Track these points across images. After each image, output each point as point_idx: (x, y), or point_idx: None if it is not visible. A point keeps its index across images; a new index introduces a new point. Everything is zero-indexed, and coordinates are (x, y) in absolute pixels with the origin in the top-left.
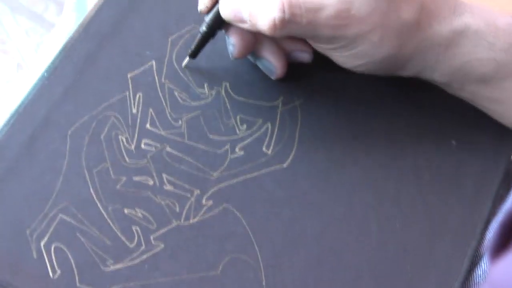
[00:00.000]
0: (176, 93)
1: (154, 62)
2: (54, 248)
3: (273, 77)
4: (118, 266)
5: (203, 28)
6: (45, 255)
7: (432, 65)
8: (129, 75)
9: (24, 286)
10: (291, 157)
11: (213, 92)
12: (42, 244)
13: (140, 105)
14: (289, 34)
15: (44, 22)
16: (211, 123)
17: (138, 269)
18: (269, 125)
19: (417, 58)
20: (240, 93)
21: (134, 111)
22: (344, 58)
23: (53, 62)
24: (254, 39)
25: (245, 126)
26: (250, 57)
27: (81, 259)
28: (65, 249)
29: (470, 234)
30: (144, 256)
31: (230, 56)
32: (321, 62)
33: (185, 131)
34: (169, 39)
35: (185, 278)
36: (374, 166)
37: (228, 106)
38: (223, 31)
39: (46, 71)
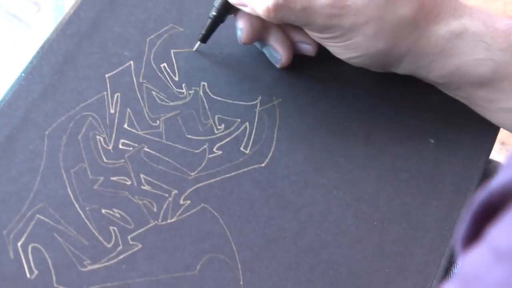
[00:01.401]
0: (154, 93)
1: (132, 62)
2: (31, 249)
3: (278, 65)
4: (96, 266)
5: (213, 12)
6: (22, 255)
7: (428, 65)
8: (107, 75)
9: (1, 286)
10: (269, 157)
11: (191, 92)
12: (19, 244)
13: (118, 105)
14: (284, 19)
15: (20, 22)
16: (189, 123)
17: (116, 269)
18: (247, 124)
19: (412, 56)
20: (218, 93)
21: (112, 111)
22: (338, 49)
23: (31, 62)
24: (262, 26)
25: (223, 126)
26: (257, 44)
27: (58, 259)
28: (42, 249)
29: (448, 233)
30: (122, 256)
31: (239, 40)
32: (302, 62)
33: (163, 131)
34: (147, 39)
35: (163, 278)
36: (353, 166)
37: (206, 106)
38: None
39: (24, 71)
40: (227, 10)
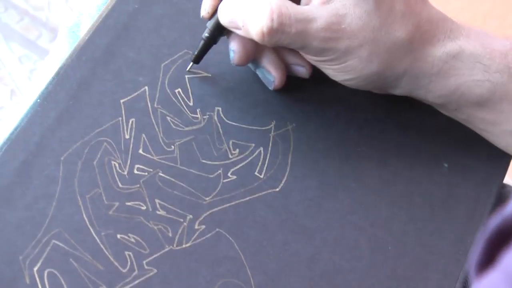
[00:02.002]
0: (168, 118)
1: (147, 88)
2: (47, 274)
3: (271, 88)
4: None
5: (206, 34)
6: (38, 280)
7: (425, 86)
8: (122, 101)
9: None
10: (283, 181)
11: (206, 117)
12: (35, 269)
13: (133, 130)
14: (279, 43)
15: (37, 48)
16: (203, 148)
17: None
18: (262, 149)
19: (409, 77)
20: (232, 118)
21: (127, 136)
22: (334, 71)
23: (46, 88)
24: (255, 48)
25: (237, 150)
26: (251, 65)
27: (74, 284)
28: (58, 274)
29: (462, 257)
30: (137, 281)
31: (231, 62)
32: (314, 87)
33: (178, 156)
34: (162, 65)
35: None
36: (366, 191)
37: (221, 131)
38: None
39: (39, 97)
40: (220, 32)
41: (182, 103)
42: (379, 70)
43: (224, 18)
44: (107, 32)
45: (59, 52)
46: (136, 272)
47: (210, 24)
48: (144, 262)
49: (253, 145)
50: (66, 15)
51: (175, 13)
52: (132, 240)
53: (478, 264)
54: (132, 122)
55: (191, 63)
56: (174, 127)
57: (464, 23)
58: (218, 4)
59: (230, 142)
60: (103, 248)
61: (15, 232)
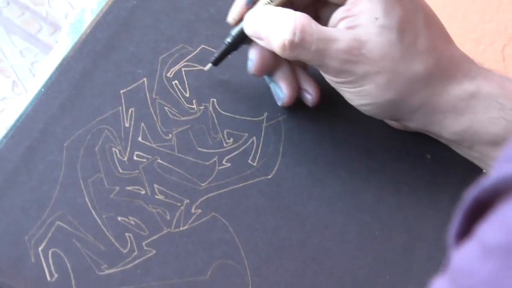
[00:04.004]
0: (166, 109)
1: (145, 79)
2: (51, 253)
3: (279, 103)
4: (112, 270)
5: (228, 39)
6: (42, 259)
7: (440, 122)
8: (122, 91)
9: None
10: (275, 169)
11: (202, 108)
12: (40, 249)
13: (133, 119)
14: (298, 57)
15: (38, 42)
16: (199, 137)
17: (131, 274)
18: (254, 139)
19: (424, 111)
20: (227, 109)
21: (127, 125)
22: (350, 94)
23: (50, 78)
24: (273, 61)
25: (231, 140)
26: (266, 78)
27: (77, 263)
28: (61, 254)
29: (445, 242)
30: (137, 261)
31: (248, 70)
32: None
33: (175, 144)
34: (160, 58)
35: (175, 282)
36: (355, 179)
37: (216, 121)
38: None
39: (43, 86)
40: (242, 40)
41: (179, 94)
42: (394, 99)
43: (249, 28)
44: (107, 27)
45: (63, 47)
46: (136, 253)
47: (234, 31)
48: (144, 243)
49: (246, 134)
50: (69, 12)
51: (172, 9)
52: (132, 222)
53: (456, 235)
54: (131, 111)
55: (210, 64)
56: (171, 116)
57: (483, 65)
58: (245, 13)
59: (225, 132)
60: (105, 230)
61: (21, 214)
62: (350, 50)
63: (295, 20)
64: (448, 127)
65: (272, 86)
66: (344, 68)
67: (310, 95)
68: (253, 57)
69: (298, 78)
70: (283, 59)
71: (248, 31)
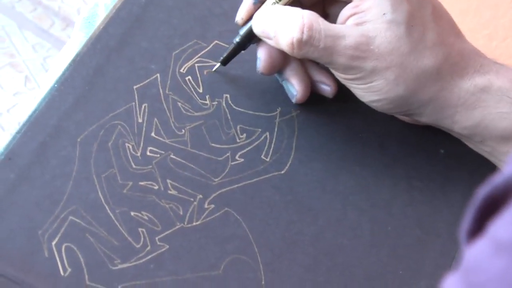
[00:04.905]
0: (179, 104)
1: (158, 75)
2: (65, 248)
3: (293, 101)
4: (125, 265)
5: (236, 39)
6: (56, 254)
7: (451, 116)
8: (135, 87)
9: (36, 282)
10: (288, 164)
11: (215, 104)
12: (53, 244)
13: (146, 115)
14: (307, 55)
15: (50, 37)
16: (212, 132)
17: (144, 268)
18: (268, 134)
19: (435, 105)
20: (240, 104)
21: (140, 120)
22: (360, 91)
23: (63, 74)
24: (282, 59)
25: (244, 135)
26: (277, 77)
27: (90, 258)
28: (75, 248)
29: (458, 237)
30: (150, 256)
31: (257, 70)
32: None
33: (188, 139)
34: (173, 54)
35: (188, 277)
36: (368, 174)
37: (229, 117)
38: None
39: (57, 82)
40: (250, 39)
41: (192, 89)
42: (404, 94)
43: (258, 27)
44: (121, 23)
45: (76, 42)
46: (149, 248)
47: (242, 30)
48: (157, 238)
49: (260, 130)
50: (83, 7)
51: (185, 5)
52: (145, 217)
53: (468, 232)
54: (144, 107)
55: (218, 64)
56: (184, 112)
57: (496, 60)
58: (253, 13)
59: (238, 127)
60: (118, 225)
61: (34, 208)
62: (358, 46)
63: (303, 18)
64: (459, 122)
65: (284, 84)
66: (353, 64)
67: (328, 86)
68: (261, 56)
69: (311, 73)
70: (292, 58)
71: (257, 31)
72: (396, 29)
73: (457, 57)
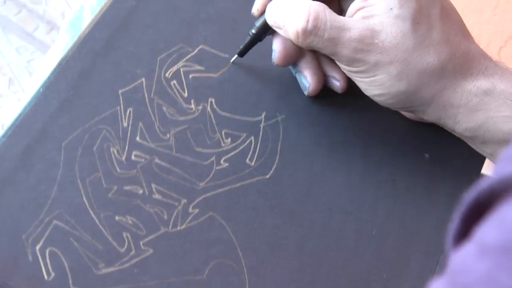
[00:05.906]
0: (164, 108)
1: (144, 79)
2: (49, 252)
3: (305, 93)
4: (110, 269)
5: (252, 30)
6: (40, 258)
7: (453, 116)
8: (120, 91)
9: (20, 287)
10: (273, 169)
11: (200, 108)
12: (37, 248)
13: (131, 119)
14: (311, 45)
15: (34, 40)
16: (197, 137)
17: (128, 273)
18: (252, 139)
19: (437, 104)
20: (225, 108)
21: (125, 124)
22: (364, 84)
23: (48, 78)
24: (296, 51)
25: (229, 139)
26: (291, 69)
27: (74, 262)
28: (59, 253)
29: (442, 240)
30: (134, 261)
31: (272, 61)
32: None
33: (173, 144)
34: (158, 58)
35: (173, 281)
36: (352, 178)
37: (214, 121)
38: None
39: (42, 86)
40: (265, 31)
41: (177, 94)
42: (407, 90)
43: (270, 18)
44: (106, 27)
45: (61, 45)
46: (133, 252)
47: (257, 22)
48: (141, 242)
49: (244, 134)
50: (67, 11)
51: (171, 10)
52: (130, 222)
53: (454, 237)
54: (130, 111)
55: (236, 55)
56: (169, 116)
57: (502, 63)
58: (267, 3)
59: (223, 132)
60: (102, 229)
61: (19, 213)
62: (362, 39)
63: (309, 8)
64: (461, 123)
65: (298, 76)
66: (357, 56)
67: (338, 82)
68: (276, 47)
69: (324, 67)
70: (306, 50)
71: (269, 21)
72: (401, 25)
73: (462, 58)
